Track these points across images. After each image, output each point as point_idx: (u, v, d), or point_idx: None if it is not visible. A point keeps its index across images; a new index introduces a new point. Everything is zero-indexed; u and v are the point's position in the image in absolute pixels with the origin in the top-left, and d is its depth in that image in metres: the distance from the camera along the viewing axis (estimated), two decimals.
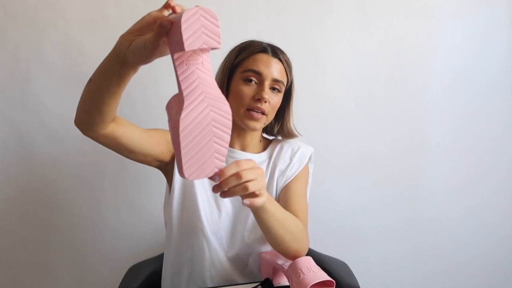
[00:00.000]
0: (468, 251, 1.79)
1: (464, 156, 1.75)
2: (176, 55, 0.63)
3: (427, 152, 1.72)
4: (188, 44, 0.59)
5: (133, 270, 1.20)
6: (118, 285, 1.11)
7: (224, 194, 0.72)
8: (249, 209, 0.96)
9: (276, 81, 1.01)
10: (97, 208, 1.56)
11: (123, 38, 0.71)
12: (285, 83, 1.06)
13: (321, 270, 0.84)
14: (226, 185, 0.70)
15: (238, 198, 0.92)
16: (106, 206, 1.56)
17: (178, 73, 0.63)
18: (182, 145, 0.63)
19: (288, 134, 1.14)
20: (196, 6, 0.62)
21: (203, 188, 1.05)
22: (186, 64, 0.64)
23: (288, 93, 1.10)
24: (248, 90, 1.00)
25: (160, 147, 1.00)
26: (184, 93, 0.63)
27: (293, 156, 1.11)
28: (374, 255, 1.73)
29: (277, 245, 0.91)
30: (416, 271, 1.77)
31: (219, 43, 0.63)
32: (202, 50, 0.64)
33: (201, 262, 1.02)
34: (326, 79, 1.63)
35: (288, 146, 1.13)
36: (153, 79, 1.52)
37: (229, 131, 0.66)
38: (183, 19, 0.59)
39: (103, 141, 0.89)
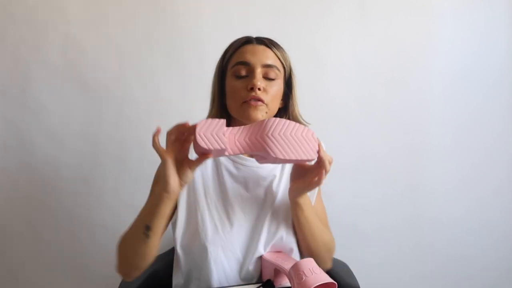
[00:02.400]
0: (468, 250, 1.79)
1: (464, 156, 1.75)
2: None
3: (428, 152, 1.72)
4: None
5: None
6: (118, 285, 1.11)
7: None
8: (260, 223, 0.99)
9: (267, 66, 0.96)
10: (97, 208, 1.56)
11: (175, 185, 0.83)
12: (281, 68, 1.00)
13: (323, 272, 0.83)
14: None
15: (249, 213, 0.99)
16: (106, 206, 1.56)
17: None
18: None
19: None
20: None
21: (209, 207, 0.99)
22: None
23: (289, 81, 1.04)
24: (240, 84, 0.95)
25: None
26: None
27: None
28: (374, 255, 1.73)
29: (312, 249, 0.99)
30: (416, 270, 1.77)
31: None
32: None
33: (208, 279, 0.97)
34: (326, 78, 1.63)
35: None
36: (153, 79, 1.52)
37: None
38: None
39: None
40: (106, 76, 1.51)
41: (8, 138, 1.50)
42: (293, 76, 1.05)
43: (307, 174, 0.90)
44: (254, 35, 1.04)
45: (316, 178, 0.88)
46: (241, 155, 1.01)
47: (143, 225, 0.86)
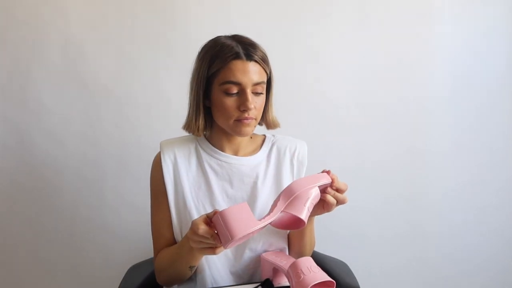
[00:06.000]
0: (467, 252, 1.78)
1: (466, 158, 1.74)
2: None
3: (429, 154, 1.72)
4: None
5: (133, 270, 1.20)
6: (118, 285, 1.11)
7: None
8: None
9: (257, 84, 0.96)
10: (97, 208, 1.56)
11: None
12: (266, 79, 1.00)
13: (321, 270, 0.83)
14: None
15: None
16: (106, 206, 1.56)
17: None
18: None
19: (269, 125, 1.09)
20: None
21: (196, 206, 1.01)
22: None
23: (267, 83, 1.03)
24: (231, 102, 0.95)
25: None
26: None
27: (292, 158, 1.09)
28: (374, 255, 1.72)
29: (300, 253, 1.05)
30: (416, 271, 1.76)
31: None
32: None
33: (202, 279, 1.00)
34: (326, 80, 1.62)
35: (284, 147, 1.10)
36: (153, 79, 1.52)
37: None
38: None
39: None
40: (106, 76, 1.51)
41: (8, 138, 1.50)
42: (272, 79, 1.04)
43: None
44: (255, 37, 1.01)
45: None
46: (222, 152, 1.05)
47: (187, 266, 0.94)
